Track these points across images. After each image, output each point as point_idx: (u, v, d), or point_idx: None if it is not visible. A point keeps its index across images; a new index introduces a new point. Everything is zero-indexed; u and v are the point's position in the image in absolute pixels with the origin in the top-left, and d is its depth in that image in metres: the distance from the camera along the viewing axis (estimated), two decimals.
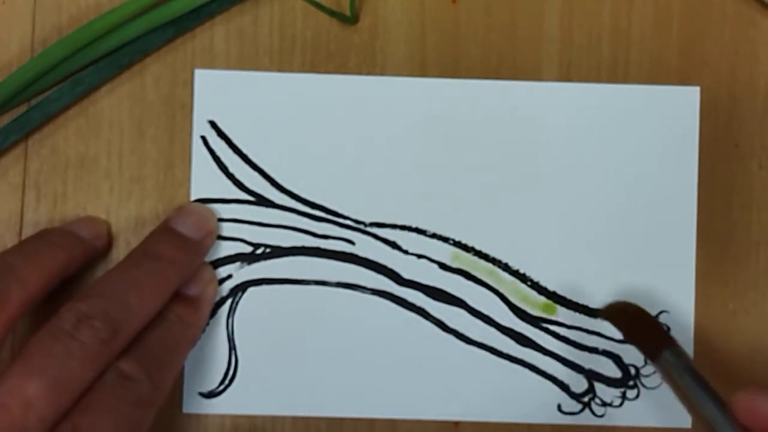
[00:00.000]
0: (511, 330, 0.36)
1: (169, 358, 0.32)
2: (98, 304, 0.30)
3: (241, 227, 0.36)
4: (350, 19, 0.36)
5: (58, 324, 0.29)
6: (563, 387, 0.36)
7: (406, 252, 0.36)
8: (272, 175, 0.36)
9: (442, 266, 0.36)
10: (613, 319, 0.35)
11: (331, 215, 0.36)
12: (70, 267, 0.33)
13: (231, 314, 0.36)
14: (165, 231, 0.34)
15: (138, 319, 0.31)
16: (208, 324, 0.36)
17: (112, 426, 0.29)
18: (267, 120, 0.36)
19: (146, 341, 0.31)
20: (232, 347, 0.36)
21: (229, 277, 0.36)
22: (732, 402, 0.30)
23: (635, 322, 0.35)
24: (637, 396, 0.36)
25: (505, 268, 0.36)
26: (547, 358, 0.36)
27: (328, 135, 0.36)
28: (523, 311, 0.36)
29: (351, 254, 0.36)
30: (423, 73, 0.37)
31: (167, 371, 0.32)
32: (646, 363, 0.36)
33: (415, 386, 0.36)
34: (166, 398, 0.32)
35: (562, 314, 0.36)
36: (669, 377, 0.32)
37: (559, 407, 0.36)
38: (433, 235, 0.36)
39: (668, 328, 0.36)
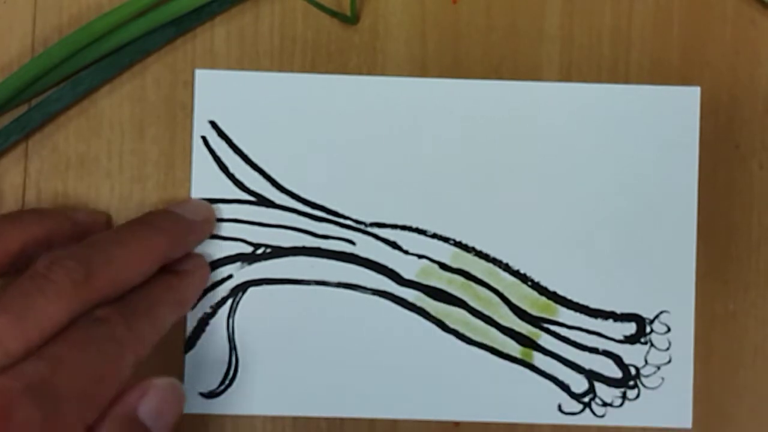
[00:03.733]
0: (511, 330, 0.36)
1: (147, 309, 0.31)
2: (76, 249, 0.30)
3: (241, 227, 0.36)
4: (351, 20, 0.36)
5: (34, 267, 0.29)
6: (563, 387, 0.36)
7: (406, 252, 0.36)
8: (272, 175, 0.36)
9: (443, 266, 0.36)
10: None
11: (332, 215, 0.36)
12: (53, 237, 0.33)
13: (231, 314, 0.36)
14: (162, 210, 0.35)
15: (117, 271, 0.30)
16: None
17: (82, 358, 0.28)
18: (267, 120, 0.36)
19: (127, 296, 0.31)
20: (232, 347, 0.36)
21: (230, 277, 0.36)
22: None
23: None
24: (638, 396, 0.36)
25: (506, 268, 0.36)
26: (547, 358, 0.36)
27: (329, 135, 0.36)
28: (523, 311, 0.36)
29: (351, 254, 0.36)
30: (423, 73, 0.37)
31: (144, 320, 0.31)
32: (646, 362, 0.36)
33: (415, 386, 0.36)
34: (147, 352, 0.30)
35: (563, 314, 0.36)
36: None
37: (559, 407, 0.36)
38: (434, 235, 0.36)
39: (668, 328, 0.36)
